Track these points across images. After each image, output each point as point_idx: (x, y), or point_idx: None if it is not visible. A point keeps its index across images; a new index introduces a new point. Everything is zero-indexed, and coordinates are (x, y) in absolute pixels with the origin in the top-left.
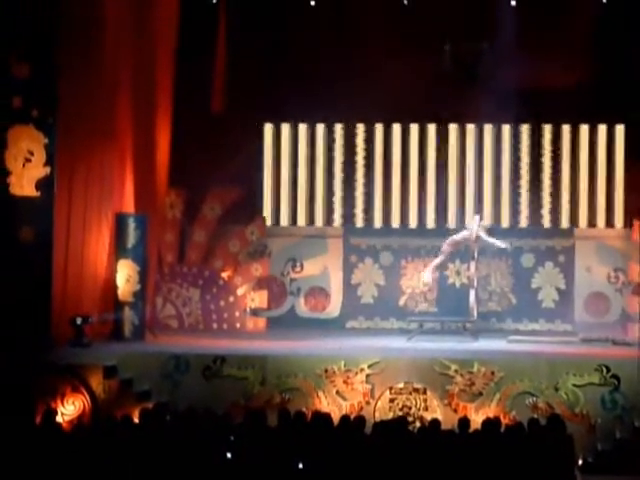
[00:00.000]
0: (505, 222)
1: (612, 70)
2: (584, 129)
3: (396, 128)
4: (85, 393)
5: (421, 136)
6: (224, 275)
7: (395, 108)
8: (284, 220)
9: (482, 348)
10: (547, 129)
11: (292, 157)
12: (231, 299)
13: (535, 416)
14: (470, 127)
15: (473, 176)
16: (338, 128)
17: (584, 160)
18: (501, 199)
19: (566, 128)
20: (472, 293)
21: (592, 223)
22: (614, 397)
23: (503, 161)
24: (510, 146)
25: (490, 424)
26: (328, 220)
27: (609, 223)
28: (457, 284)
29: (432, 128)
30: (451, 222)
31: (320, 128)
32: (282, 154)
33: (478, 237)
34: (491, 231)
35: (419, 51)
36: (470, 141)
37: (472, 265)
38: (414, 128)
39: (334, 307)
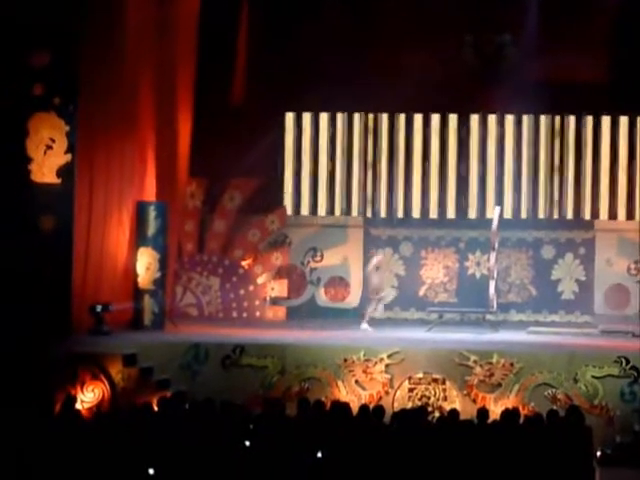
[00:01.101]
0: (524, 213)
1: (635, 62)
2: (605, 121)
3: (417, 118)
4: (104, 381)
5: (442, 127)
6: (244, 264)
7: (416, 98)
8: (304, 210)
9: (502, 339)
10: (567, 121)
11: (313, 147)
12: (251, 288)
13: (554, 407)
14: (491, 118)
15: (494, 167)
16: (359, 118)
17: (605, 152)
18: (521, 190)
19: (587, 120)
20: (492, 284)
21: (613, 215)
22: (633, 389)
23: (524, 153)
24: (531, 137)
25: (509, 415)
26: (348, 210)
27: (629, 215)
28: (477, 275)
29: (453, 118)
30: (471, 213)
31: (341, 118)
32: (303, 144)
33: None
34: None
35: (440, 42)
36: (492, 132)
37: (492, 256)
38: (435, 118)
39: (354, 297)
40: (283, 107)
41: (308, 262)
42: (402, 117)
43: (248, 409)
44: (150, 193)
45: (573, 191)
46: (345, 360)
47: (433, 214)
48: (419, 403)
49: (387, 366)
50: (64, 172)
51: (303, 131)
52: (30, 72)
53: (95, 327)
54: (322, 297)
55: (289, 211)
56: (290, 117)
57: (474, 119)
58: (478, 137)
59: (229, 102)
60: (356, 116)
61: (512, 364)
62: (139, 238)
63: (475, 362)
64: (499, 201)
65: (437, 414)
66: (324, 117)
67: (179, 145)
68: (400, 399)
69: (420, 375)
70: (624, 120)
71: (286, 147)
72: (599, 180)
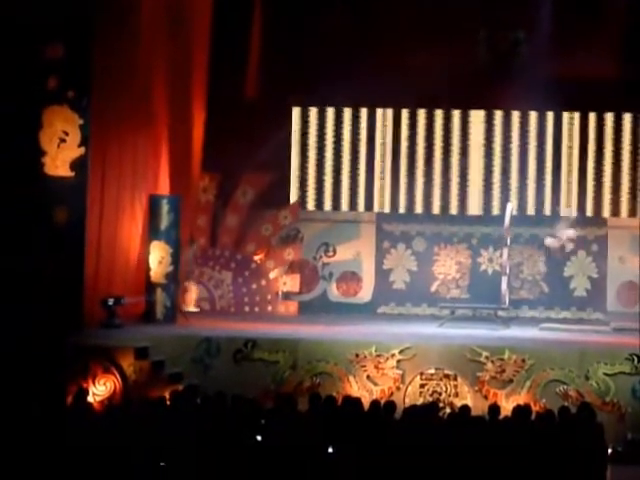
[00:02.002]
0: (535, 210)
1: None
2: (609, 118)
3: (436, 114)
4: (116, 374)
5: (445, 123)
6: (256, 259)
7: (428, 94)
8: (317, 205)
9: (513, 335)
10: (578, 118)
11: (326, 142)
12: (263, 283)
13: (565, 404)
14: (511, 114)
15: (509, 164)
16: (382, 113)
17: (626, 150)
18: (527, 187)
19: (593, 117)
20: (504, 280)
21: (629, 213)
22: None
23: (547, 149)
24: (550, 134)
25: (520, 411)
26: (361, 205)
27: None
28: (489, 271)
29: (456, 114)
30: (486, 209)
31: (365, 112)
32: (312, 139)
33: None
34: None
35: (452, 38)
36: (515, 129)
37: (504, 252)
38: (439, 114)
39: (366, 292)
40: (296, 102)
41: (320, 257)
42: (422, 112)
43: (259, 404)
44: (163, 187)
45: (582, 189)
46: (357, 355)
47: (451, 210)
48: (430, 399)
49: (399, 362)
50: (77, 165)
51: (316, 126)
52: (44, 65)
53: (107, 320)
54: (334, 292)
55: (302, 206)
56: (297, 111)
57: (486, 115)
58: (495, 134)
59: (242, 97)
60: (379, 112)
61: (524, 360)
62: (152, 232)
63: (487, 358)
64: (511, 198)
65: (448, 410)
66: (347, 112)
67: (192, 139)
68: (411, 395)
69: (432, 371)
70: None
71: (294, 142)
72: (617, 178)
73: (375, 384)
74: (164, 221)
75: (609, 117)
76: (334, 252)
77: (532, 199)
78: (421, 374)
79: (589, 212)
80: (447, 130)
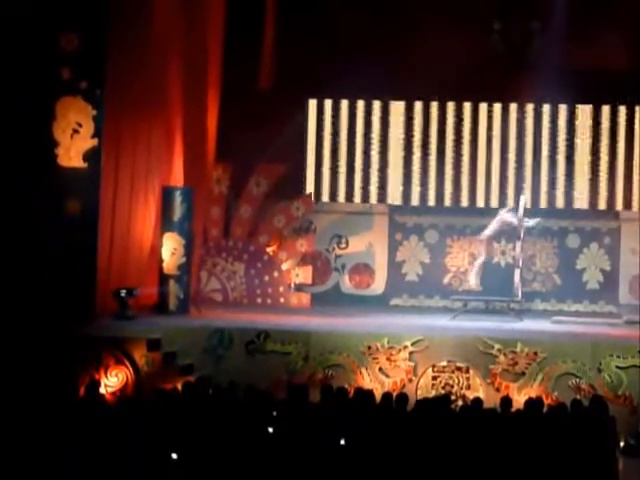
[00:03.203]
0: (548, 203)
1: None
2: (622, 110)
3: (449, 106)
4: (128, 365)
5: (457, 114)
6: (269, 250)
7: (442, 86)
8: (330, 196)
9: (526, 328)
10: (590, 110)
11: (339, 133)
12: (276, 274)
13: (578, 397)
14: (524, 106)
15: (523, 156)
16: (396, 106)
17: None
18: (540, 179)
19: (606, 109)
20: (517, 273)
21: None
22: None
23: (559, 141)
24: (564, 126)
25: (532, 404)
26: (374, 197)
27: None
28: (502, 264)
29: (467, 106)
30: (499, 202)
31: (378, 105)
32: (327, 130)
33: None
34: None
35: (466, 29)
36: (529, 121)
37: (517, 245)
38: (465, 106)
39: (378, 284)
40: (310, 93)
41: (333, 249)
42: (435, 104)
43: (271, 395)
44: (177, 178)
45: (594, 181)
46: (369, 347)
47: (463, 202)
48: (442, 391)
49: (411, 354)
50: (90, 156)
51: (330, 117)
52: (58, 56)
53: (119, 311)
54: (347, 284)
55: (314, 197)
56: (313, 104)
57: (499, 108)
58: (510, 126)
59: (256, 88)
60: (393, 105)
61: (536, 353)
62: (165, 223)
63: (499, 351)
64: (524, 190)
65: (460, 402)
66: (361, 104)
67: (206, 130)
68: (423, 387)
69: (444, 363)
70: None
71: (311, 134)
72: (632, 170)
73: (387, 376)
74: (177, 212)
75: (622, 110)
76: (347, 244)
77: (545, 192)
78: (433, 366)
79: (602, 205)
80: (459, 122)
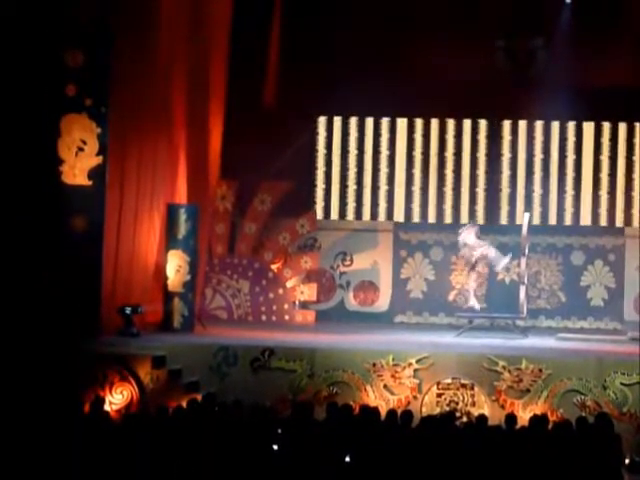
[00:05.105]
0: (553, 220)
1: None
2: (622, 127)
3: (449, 123)
4: (133, 383)
5: (473, 132)
6: (274, 267)
7: (447, 104)
8: (334, 214)
9: (530, 345)
10: (594, 127)
11: (343, 151)
12: (280, 291)
13: (583, 414)
14: (523, 124)
15: (534, 173)
16: (401, 123)
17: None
18: (549, 196)
19: (607, 126)
20: (522, 290)
21: None
22: None
23: (565, 159)
24: (566, 143)
25: (537, 421)
26: (378, 215)
27: None
28: (507, 281)
29: (484, 124)
30: (503, 219)
31: (386, 123)
32: (334, 147)
33: (526, 235)
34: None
35: (471, 47)
36: (521, 138)
37: (522, 262)
38: (467, 124)
39: (383, 301)
40: (315, 110)
41: (338, 266)
42: (435, 122)
43: (276, 412)
44: (181, 195)
45: (597, 198)
46: (374, 364)
47: (464, 219)
48: (447, 408)
49: (416, 371)
50: (95, 174)
51: (334, 135)
52: (63, 73)
53: (124, 329)
54: (351, 301)
55: (319, 215)
56: (322, 121)
57: (506, 125)
58: (512, 143)
59: (260, 105)
60: (399, 121)
61: (541, 370)
62: (169, 240)
63: (504, 368)
64: (529, 207)
65: (465, 419)
66: (369, 122)
67: (210, 147)
68: (428, 404)
69: (449, 380)
70: None
71: (318, 151)
72: (633, 186)
73: (392, 393)
74: (182, 230)
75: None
76: (351, 261)
77: (552, 208)
78: (438, 383)
79: (603, 222)
80: (459, 139)
